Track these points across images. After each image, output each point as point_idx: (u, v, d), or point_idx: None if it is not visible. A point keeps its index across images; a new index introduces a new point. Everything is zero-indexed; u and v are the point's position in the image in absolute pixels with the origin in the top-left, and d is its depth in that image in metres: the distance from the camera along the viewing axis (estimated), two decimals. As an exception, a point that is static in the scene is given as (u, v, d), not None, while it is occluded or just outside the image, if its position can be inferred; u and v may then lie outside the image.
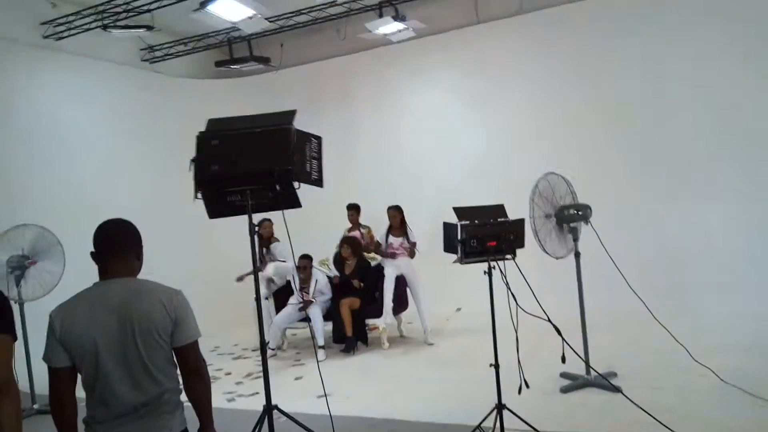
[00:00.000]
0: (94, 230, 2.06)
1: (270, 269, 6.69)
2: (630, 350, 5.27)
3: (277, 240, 6.91)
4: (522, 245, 3.52)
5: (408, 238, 6.45)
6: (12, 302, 5.18)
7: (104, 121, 7.83)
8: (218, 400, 5.05)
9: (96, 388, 1.93)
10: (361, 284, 6.47)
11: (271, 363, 5.95)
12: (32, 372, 5.07)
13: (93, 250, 2.04)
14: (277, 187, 3.19)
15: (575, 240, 4.58)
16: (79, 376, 1.98)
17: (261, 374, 3.44)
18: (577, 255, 4.59)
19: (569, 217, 4.48)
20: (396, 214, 6.48)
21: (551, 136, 7.57)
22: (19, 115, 6.78)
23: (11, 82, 6.75)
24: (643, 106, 7.11)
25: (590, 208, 4.45)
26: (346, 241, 6.75)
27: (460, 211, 3.51)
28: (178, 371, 2.08)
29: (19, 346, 4.87)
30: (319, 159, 3.41)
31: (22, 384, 5.09)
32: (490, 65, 8.12)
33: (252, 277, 3.70)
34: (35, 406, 5.05)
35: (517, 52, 7.89)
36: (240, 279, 6.78)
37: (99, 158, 7.64)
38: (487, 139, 8.06)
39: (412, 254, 6.46)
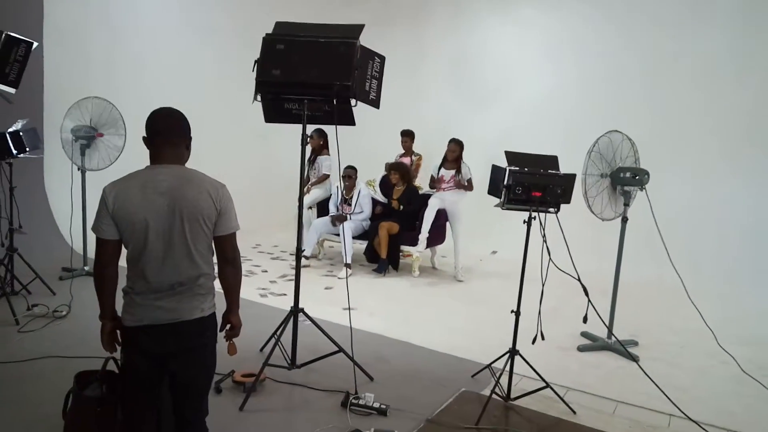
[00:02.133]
0: (148, 116, 2.14)
1: (308, 200, 6.79)
2: (657, 323, 5.22)
3: (327, 154, 6.97)
4: (568, 201, 3.44)
5: (459, 173, 6.38)
6: (76, 168, 5.51)
7: (176, 2, 7.89)
8: (252, 293, 5.37)
9: (139, 263, 2.06)
10: (401, 207, 6.52)
11: (305, 270, 6.23)
12: (87, 237, 5.46)
13: (145, 135, 2.13)
14: (335, 102, 3.19)
15: (626, 204, 4.45)
16: (123, 249, 2.12)
17: (293, 277, 3.60)
18: (624, 220, 4.48)
19: (623, 180, 4.34)
20: (455, 148, 6.39)
21: (623, 91, 7.21)
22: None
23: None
24: (729, 67, 6.60)
25: (648, 174, 4.28)
26: (394, 167, 6.74)
27: (511, 156, 3.44)
28: (215, 260, 2.21)
29: (76, 211, 5.24)
30: (380, 79, 3.38)
31: (77, 246, 5.53)
32: (576, 3, 7.66)
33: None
34: (86, 268, 5.48)
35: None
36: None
37: (167, 43, 7.73)
38: (557, 85, 7.73)
39: (470, 188, 6.41)
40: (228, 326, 2.33)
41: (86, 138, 5.33)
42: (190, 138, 2.20)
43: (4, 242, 4.74)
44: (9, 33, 4.30)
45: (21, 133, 4.69)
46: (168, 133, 2.12)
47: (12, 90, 4.42)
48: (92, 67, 6.82)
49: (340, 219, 6.41)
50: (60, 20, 6.33)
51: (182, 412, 2.22)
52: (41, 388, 3.23)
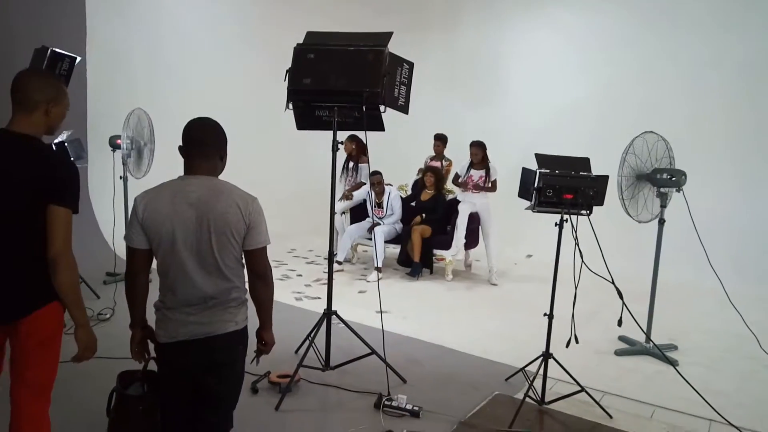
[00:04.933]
0: (184, 126, 2.13)
1: (340, 206, 6.89)
2: (697, 327, 5.10)
3: (366, 162, 7.03)
4: (601, 203, 3.41)
5: (489, 174, 6.35)
6: (118, 177, 5.64)
7: (212, 16, 8.11)
8: (287, 297, 5.47)
9: (169, 275, 2.04)
10: (423, 215, 6.53)
11: (339, 274, 6.31)
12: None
13: (181, 144, 2.11)
14: (363, 108, 3.24)
15: (662, 206, 4.37)
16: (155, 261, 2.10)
17: (327, 281, 3.66)
18: (662, 222, 4.39)
19: (660, 182, 4.27)
20: (477, 152, 6.36)
21: (655, 94, 7.08)
22: (140, 5, 7.15)
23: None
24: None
25: (685, 175, 4.20)
26: (431, 169, 6.77)
27: (541, 158, 3.43)
28: (246, 272, 2.17)
29: (119, 219, 5.40)
30: (408, 85, 3.41)
31: (120, 252, 5.71)
32: (608, 5, 7.56)
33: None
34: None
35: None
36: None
37: (206, 55, 7.96)
38: (588, 87, 7.64)
39: (492, 189, 6.38)
40: (262, 343, 2.30)
41: (131, 149, 5.44)
42: (225, 148, 2.16)
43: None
44: (54, 49, 4.51)
45: (66, 144, 4.89)
46: (202, 143, 2.09)
47: (58, 103, 4.63)
48: (133, 79, 7.06)
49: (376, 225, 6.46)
50: (102, 35, 6.57)
51: (207, 421, 2.18)
52: (86, 387, 3.36)
